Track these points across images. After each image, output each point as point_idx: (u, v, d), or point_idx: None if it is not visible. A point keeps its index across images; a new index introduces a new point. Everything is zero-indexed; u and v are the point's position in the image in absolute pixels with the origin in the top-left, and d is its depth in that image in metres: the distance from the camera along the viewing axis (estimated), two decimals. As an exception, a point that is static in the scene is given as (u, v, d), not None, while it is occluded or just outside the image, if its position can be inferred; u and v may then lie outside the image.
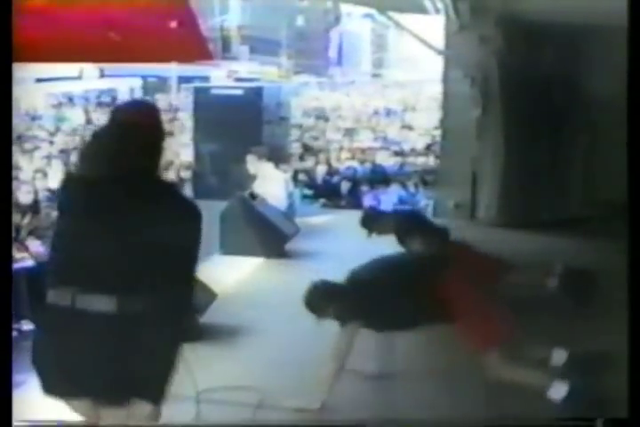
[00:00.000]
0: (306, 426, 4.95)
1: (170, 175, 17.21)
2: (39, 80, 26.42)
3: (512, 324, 5.71)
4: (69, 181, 3.81)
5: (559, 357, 6.01)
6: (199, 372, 6.44)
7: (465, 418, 5.23)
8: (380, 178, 17.58)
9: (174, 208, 3.68)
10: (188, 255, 3.71)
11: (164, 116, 21.85)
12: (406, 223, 8.49)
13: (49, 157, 16.82)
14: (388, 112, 30.00)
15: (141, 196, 3.63)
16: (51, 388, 3.58)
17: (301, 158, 19.03)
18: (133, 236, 3.54)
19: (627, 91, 3.15)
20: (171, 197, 3.76)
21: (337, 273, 9.72)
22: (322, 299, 6.07)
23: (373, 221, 8.70)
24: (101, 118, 24.73)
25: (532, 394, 5.56)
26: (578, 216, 11.84)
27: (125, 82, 31.93)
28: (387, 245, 9.57)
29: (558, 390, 5.39)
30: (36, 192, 10.53)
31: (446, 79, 13.36)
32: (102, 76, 30.17)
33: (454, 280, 5.83)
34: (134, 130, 3.68)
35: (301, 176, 17.14)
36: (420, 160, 19.27)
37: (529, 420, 4.69)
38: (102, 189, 3.59)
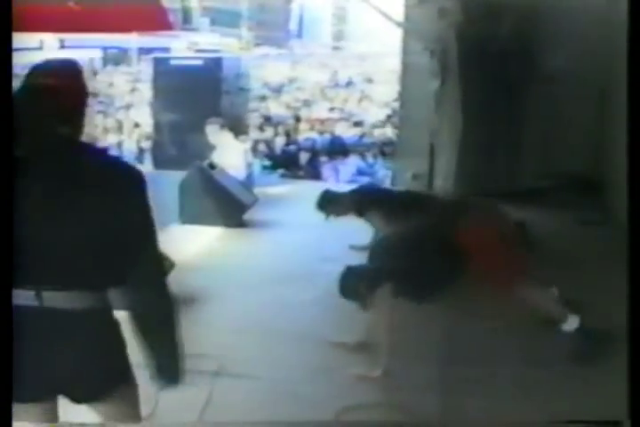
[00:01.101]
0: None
1: (130, 145, 17.16)
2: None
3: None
4: None
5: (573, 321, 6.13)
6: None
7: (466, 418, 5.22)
8: (338, 149, 17.57)
9: (116, 176, 3.28)
10: (146, 229, 3.39)
11: (125, 87, 21.73)
12: (362, 200, 8.49)
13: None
14: (348, 84, 29.94)
15: (74, 168, 3.24)
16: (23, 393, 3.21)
17: (260, 129, 18.96)
18: (78, 218, 3.18)
19: (627, 91, 3.14)
20: (108, 164, 3.35)
21: (294, 242, 9.80)
22: (357, 283, 5.88)
23: (329, 203, 8.69)
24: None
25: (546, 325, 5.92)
26: (534, 187, 11.89)
27: (86, 53, 31.66)
28: (344, 217, 9.63)
29: (571, 323, 5.80)
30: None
31: (405, 52, 13.35)
32: (62, 47, 29.88)
33: (473, 224, 5.97)
34: (50, 94, 3.31)
35: (261, 147, 17.10)
36: (379, 132, 19.26)
37: (529, 421, 4.69)
38: (30, 167, 3.17)
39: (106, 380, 3.36)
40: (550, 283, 6.45)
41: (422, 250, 5.90)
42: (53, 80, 3.35)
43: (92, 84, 24.14)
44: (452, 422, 5.02)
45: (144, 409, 3.72)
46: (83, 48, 30.90)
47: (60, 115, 3.30)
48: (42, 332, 3.19)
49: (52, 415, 3.42)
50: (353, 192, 9.03)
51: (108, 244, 3.23)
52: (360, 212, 8.49)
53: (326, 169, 16.45)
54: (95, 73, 28.87)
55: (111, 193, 3.22)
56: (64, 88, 3.35)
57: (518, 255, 6.11)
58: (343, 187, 9.90)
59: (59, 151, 3.26)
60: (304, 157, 16.86)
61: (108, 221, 3.21)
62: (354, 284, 5.85)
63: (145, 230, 3.39)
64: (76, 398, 3.35)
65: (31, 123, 3.25)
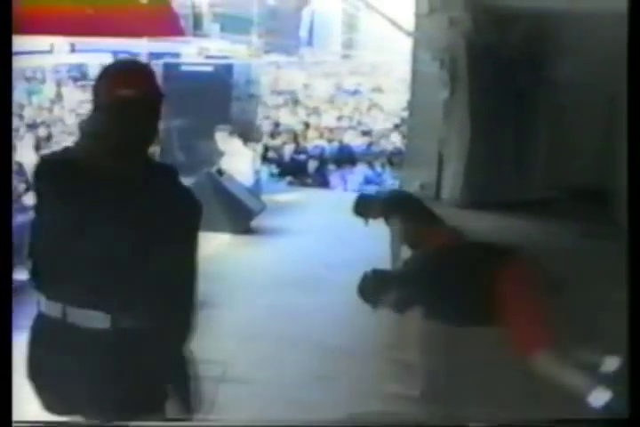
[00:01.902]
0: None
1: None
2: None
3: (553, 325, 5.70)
4: (59, 164, 3.18)
5: (611, 363, 5.73)
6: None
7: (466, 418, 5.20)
8: (346, 157, 17.57)
9: (176, 200, 3.15)
10: (190, 260, 3.29)
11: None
12: (390, 203, 8.41)
13: (17, 131, 16.67)
14: (357, 92, 29.96)
15: (141, 184, 3.11)
16: (50, 406, 3.25)
17: (270, 136, 18.98)
18: (131, 235, 3.05)
19: (627, 91, 3.14)
20: (171, 185, 3.20)
21: (300, 249, 9.81)
22: (374, 287, 5.81)
23: (365, 207, 8.46)
24: (72, 92, 24.60)
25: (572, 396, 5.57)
26: (540, 198, 11.89)
27: (96, 57, 31.68)
28: (352, 224, 9.63)
29: (599, 398, 5.37)
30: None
31: (415, 61, 13.36)
32: (73, 50, 29.89)
33: (510, 273, 5.73)
34: (144, 103, 3.19)
35: (270, 154, 17.12)
36: (387, 141, 19.26)
37: (530, 421, 4.67)
38: (103, 177, 3.08)
39: (128, 402, 3.18)
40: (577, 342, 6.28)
41: (456, 282, 5.76)
42: (137, 90, 3.18)
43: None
44: (451, 422, 5.02)
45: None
46: (93, 52, 30.94)
47: (144, 125, 3.20)
48: (62, 347, 3.12)
49: None
50: (384, 194, 8.88)
51: (149, 273, 3.12)
52: (386, 215, 8.40)
53: (334, 177, 16.46)
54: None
55: (168, 223, 3.09)
56: (147, 96, 3.23)
57: (544, 321, 5.82)
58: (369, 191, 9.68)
59: (140, 163, 3.16)
60: (312, 165, 16.87)
61: (155, 244, 3.09)
62: (376, 293, 5.81)
63: (191, 265, 3.32)
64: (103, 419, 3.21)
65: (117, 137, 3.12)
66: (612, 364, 5.73)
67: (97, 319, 3.10)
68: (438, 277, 5.75)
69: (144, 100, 3.18)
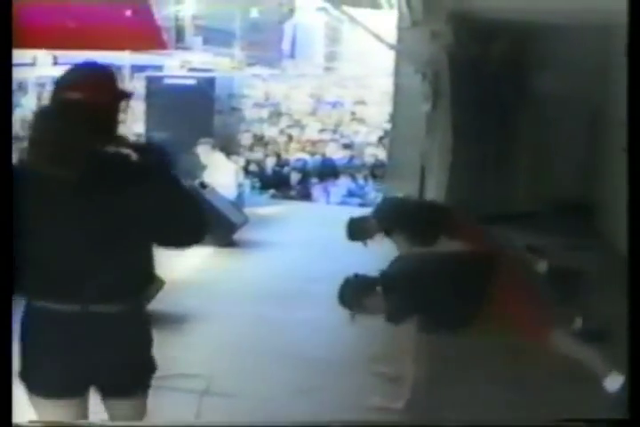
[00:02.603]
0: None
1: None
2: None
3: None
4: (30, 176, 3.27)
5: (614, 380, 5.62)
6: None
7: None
8: (329, 170, 17.61)
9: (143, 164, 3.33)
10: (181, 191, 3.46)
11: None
12: (387, 218, 8.20)
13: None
14: (340, 105, 30.00)
15: (109, 169, 3.29)
16: (39, 388, 3.49)
17: (251, 149, 18.99)
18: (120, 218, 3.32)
19: (627, 92, 3.16)
20: (137, 152, 3.35)
21: (283, 262, 9.81)
22: (356, 292, 5.81)
23: (358, 231, 8.18)
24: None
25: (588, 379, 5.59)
26: (523, 211, 11.91)
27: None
28: (335, 237, 9.61)
29: (614, 382, 5.38)
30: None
31: (397, 74, 13.40)
32: (56, 63, 29.88)
33: (502, 277, 5.78)
34: (92, 105, 3.29)
35: (252, 167, 17.12)
36: (370, 153, 19.29)
37: (529, 421, 4.66)
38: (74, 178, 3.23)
39: (139, 375, 3.63)
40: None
41: (450, 286, 5.75)
42: (86, 94, 3.31)
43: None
44: (451, 422, 5.01)
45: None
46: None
47: (94, 127, 3.28)
48: (83, 331, 3.37)
49: (83, 411, 3.61)
50: (377, 211, 8.56)
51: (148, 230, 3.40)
52: (386, 232, 8.17)
53: (317, 190, 16.49)
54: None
55: (143, 182, 3.28)
56: (98, 100, 3.32)
57: (545, 304, 5.88)
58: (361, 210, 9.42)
59: (99, 165, 3.27)
60: (295, 178, 16.90)
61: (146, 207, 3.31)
62: (355, 298, 5.78)
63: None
64: (110, 393, 3.56)
65: (67, 139, 3.24)
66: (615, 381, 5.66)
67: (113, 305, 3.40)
68: (424, 280, 5.76)
69: (93, 101, 3.29)
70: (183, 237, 3.53)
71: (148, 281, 3.62)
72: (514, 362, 5.99)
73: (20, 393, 3.36)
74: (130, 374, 3.56)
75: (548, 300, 5.94)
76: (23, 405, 3.63)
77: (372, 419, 5.23)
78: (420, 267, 6.01)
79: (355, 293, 5.80)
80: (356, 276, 5.92)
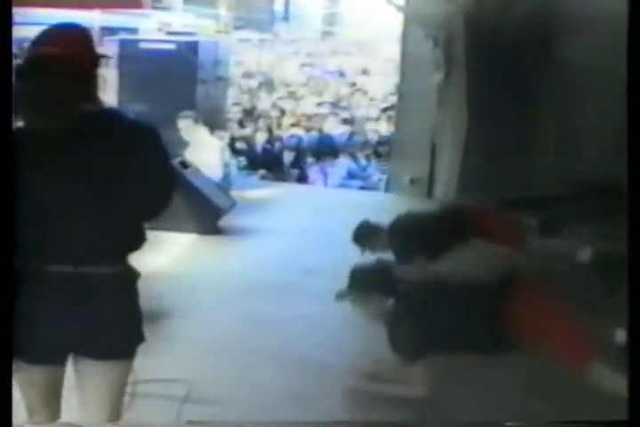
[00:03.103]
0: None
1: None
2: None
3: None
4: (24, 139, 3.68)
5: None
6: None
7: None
8: (327, 148, 17.58)
9: (133, 135, 3.86)
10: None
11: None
12: (405, 247, 8.44)
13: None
14: (339, 75, 29.97)
15: (100, 135, 3.74)
16: (26, 353, 3.78)
17: (240, 124, 18.97)
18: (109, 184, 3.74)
19: (627, 90, 3.17)
20: (125, 125, 3.91)
21: (275, 252, 9.85)
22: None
23: (368, 237, 8.50)
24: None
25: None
26: (548, 196, 11.89)
27: (38, 31, 31.51)
28: (333, 224, 9.69)
29: None
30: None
31: (406, 39, 13.40)
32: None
33: (524, 301, 5.82)
34: (70, 61, 3.68)
35: (239, 144, 17.10)
36: (373, 129, 19.28)
37: (530, 422, 4.73)
38: (61, 139, 3.67)
39: (126, 339, 4.01)
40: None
41: (467, 314, 5.88)
42: (61, 49, 3.67)
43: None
44: (450, 422, 5.06)
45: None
46: (34, 25, 30.84)
47: (73, 84, 3.67)
48: (70, 293, 3.76)
49: (60, 380, 4.08)
50: (394, 228, 8.80)
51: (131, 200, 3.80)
52: (403, 259, 8.47)
53: (313, 171, 16.48)
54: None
55: (131, 152, 3.77)
56: (74, 56, 3.68)
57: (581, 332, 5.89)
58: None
59: (80, 123, 3.68)
60: (288, 157, 16.89)
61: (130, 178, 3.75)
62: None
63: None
64: (97, 356, 3.91)
65: (44, 96, 3.64)
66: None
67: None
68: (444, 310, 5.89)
69: (69, 59, 3.67)
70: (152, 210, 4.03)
71: (140, 242, 4.00)
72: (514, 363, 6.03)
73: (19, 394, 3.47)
74: (117, 340, 3.93)
75: (585, 322, 5.92)
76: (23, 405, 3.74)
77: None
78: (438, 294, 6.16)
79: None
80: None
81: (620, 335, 6.30)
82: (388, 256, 8.52)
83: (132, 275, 4.02)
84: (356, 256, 8.47)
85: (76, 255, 3.75)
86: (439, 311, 5.95)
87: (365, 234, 8.56)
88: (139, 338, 4.06)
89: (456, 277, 6.64)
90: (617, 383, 5.60)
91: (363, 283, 6.12)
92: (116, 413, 4.20)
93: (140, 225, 4.01)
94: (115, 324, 3.88)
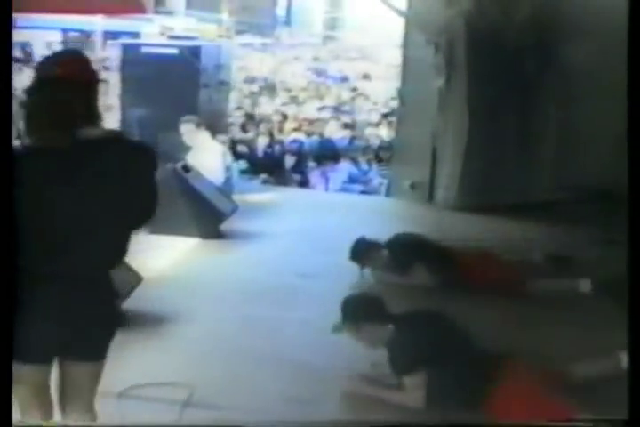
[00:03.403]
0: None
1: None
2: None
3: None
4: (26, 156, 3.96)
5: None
6: (118, 365, 6.47)
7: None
8: (328, 153, 17.58)
9: (132, 154, 4.13)
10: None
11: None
12: (404, 255, 8.52)
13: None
14: (341, 79, 30.01)
15: (102, 152, 4.00)
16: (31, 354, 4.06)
17: (242, 128, 18.98)
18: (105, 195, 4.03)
19: (627, 92, 3.17)
20: (124, 143, 4.21)
21: (277, 256, 9.84)
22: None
23: (365, 254, 8.67)
24: (14, 75, 24.44)
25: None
26: (548, 200, 11.88)
27: (42, 35, 31.39)
28: (333, 228, 9.66)
29: None
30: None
31: (407, 44, 13.38)
32: (14, 27, 29.80)
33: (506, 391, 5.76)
34: (73, 83, 3.98)
35: (241, 148, 17.10)
36: (374, 134, 19.29)
37: (529, 421, 4.72)
38: (65, 156, 3.93)
39: (110, 340, 4.32)
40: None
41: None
42: (63, 71, 3.99)
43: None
44: (453, 421, 5.04)
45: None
46: (38, 29, 30.64)
47: (76, 102, 3.98)
48: (53, 296, 4.02)
49: (48, 378, 4.30)
50: (392, 244, 8.87)
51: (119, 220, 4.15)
52: (402, 269, 8.52)
53: (314, 175, 16.48)
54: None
55: (131, 170, 4.08)
56: (76, 77, 4.01)
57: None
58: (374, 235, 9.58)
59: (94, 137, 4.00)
60: (289, 162, 16.89)
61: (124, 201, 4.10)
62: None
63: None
64: (83, 357, 4.22)
65: (65, 114, 3.95)
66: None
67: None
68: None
69: (73, 80, 4.00)
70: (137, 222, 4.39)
71: (124, 252, 4.38)
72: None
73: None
74: (103, 341, 4.29)
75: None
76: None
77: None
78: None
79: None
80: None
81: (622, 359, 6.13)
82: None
83: (114, 279, 4.33)
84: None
85: (70, 261, 4.02)
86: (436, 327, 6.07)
87: (362, 250, 8.65)
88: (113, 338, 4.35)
89: None
90: None
91: (355, 315, 6.21)
92: (94, 413, 4.44)
93: (127, 236, 4.34)
94: (101, 325, 4.23)
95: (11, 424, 3.06)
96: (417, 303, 6.94)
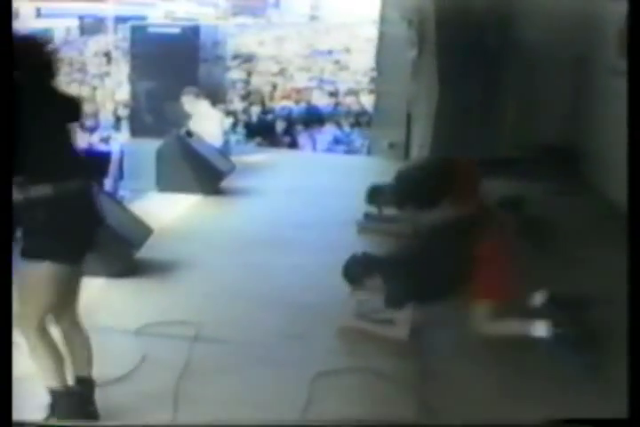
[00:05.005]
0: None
1: (107, 114, 17.05)
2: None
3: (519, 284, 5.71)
4: None
5: (539, 297, 6.07)
6: (135, 306, 6.46)
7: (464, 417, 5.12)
8: (315, 118, 17.55)
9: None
10: None
11: (101, 56, 21.35)
12: (401, 191, 8.41)
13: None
14: (324, 53, 29.84)
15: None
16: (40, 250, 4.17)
17: (238, 98, 18.91)
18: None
19: (627, 90, 3.13)
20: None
21: (270, 210, 9.81)
22: (359, 269, 6.01)
23: (378, 197, 8.68)
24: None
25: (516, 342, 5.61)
26: (509, 158, 11.87)
27: (62, 22, 31.36)
28: (322, 184, 9.62)
29: (541, 328, 5.48)
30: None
31: (383, 21, 13.30)
32: (39, 15, 29.61)
33: (489, 238, 5.73)
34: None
35: (237, 115, 17.05)
36: (356, 101, 19.23)
37: (529, 421, 4.59)
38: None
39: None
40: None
41: (441, 257, 5.82)
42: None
43: (67, 53, 23.99)
44: (451, 422, 4.95)
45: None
46: (59, 17, 30.61)
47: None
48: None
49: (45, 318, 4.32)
50: (394, 183, 8.78)
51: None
52: (399, 203, 8.45)
53: (303, 138, 16.45)
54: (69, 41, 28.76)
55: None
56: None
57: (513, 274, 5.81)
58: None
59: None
60: (280, 126, 16.84)
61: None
62: (360, 275, 5.98)
63: None
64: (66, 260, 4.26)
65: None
66: (539, 298, 6.05)
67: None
68: (420, 268, 5.80)
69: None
70: None
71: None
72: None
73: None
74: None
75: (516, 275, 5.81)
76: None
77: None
78: (415, 253, 6.04)
79: (358, 271, 6.00)
80: (364, 254, 6.10)
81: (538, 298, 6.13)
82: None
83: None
84: (342, 212, 8.45)
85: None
86: (427, 257, 5.91)
87: (376, 195, 8.62)
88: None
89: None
90: (491, 329, 5.62)
91: (355, 274, 6.04)
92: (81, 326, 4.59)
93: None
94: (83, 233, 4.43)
95: (11, 424, 2.96)
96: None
